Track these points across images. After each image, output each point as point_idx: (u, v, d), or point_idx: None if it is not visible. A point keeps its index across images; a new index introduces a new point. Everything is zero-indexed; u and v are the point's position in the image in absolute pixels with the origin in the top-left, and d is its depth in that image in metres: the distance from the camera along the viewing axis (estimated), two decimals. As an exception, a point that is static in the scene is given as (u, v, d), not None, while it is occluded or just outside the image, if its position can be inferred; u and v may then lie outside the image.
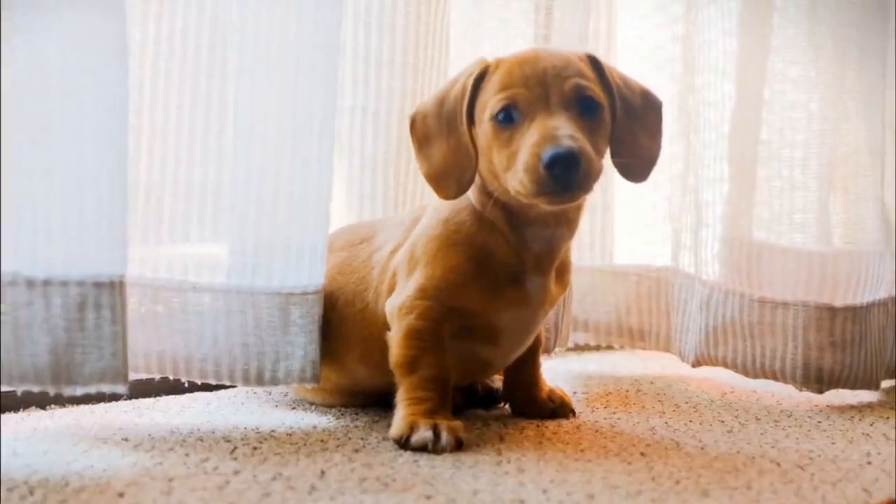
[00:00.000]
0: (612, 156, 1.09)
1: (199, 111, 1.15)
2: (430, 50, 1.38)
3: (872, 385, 1.40)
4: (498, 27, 1.49)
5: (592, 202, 1.57)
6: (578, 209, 1.12)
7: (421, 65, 1.37)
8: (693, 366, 1.46)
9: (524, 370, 1.23)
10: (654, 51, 1.59)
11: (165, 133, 1.14)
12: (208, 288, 1.14)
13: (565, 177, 0.98)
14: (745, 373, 1.41)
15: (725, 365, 1.43)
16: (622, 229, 1.63)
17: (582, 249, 1.57)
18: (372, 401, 1.23)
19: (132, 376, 1.20)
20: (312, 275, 1.15)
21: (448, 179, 1.09)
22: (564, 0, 1.44)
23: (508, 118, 1.04)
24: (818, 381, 1.37)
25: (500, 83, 1.05)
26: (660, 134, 1.14)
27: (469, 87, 1.08)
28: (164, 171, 1.14)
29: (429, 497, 0.88)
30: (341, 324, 1.17)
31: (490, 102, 1.05)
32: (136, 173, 1.13)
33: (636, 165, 1.11)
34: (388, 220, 1.24)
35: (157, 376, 1.16)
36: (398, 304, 1.10)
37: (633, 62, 1.60)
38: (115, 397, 1.24)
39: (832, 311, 1.37)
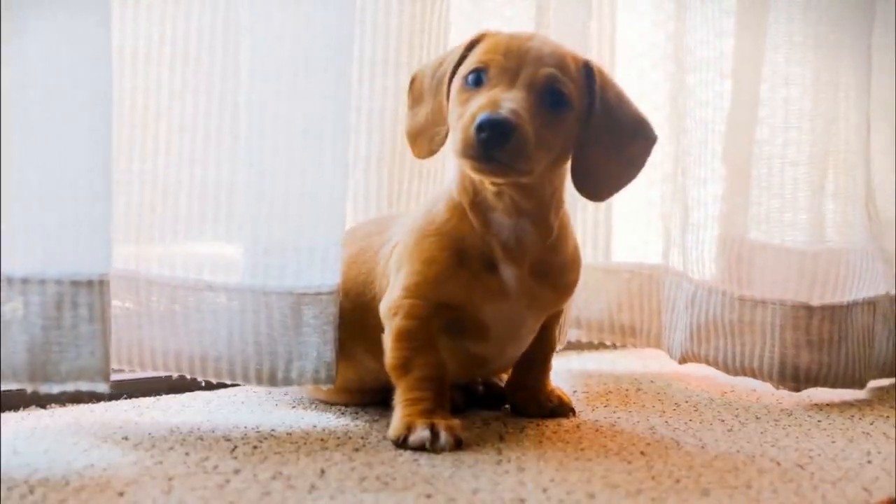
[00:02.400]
0: (573, 164, 1.09)
1: (213, 111, 1.16)
2: (426, 49, 1.38)
3: (856, 384, 1.40)
4: (500, 26, 1.49)
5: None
6: (540, 204, 1.10)
7: (415, 64, 1.36)
8: (679, 363, 1.47)
9: (530, 371, 1.22)
10: (652, 48, 1.59)
11: (182, 133, 1.15)
12: (223, 287, 1.14)
13: (489, 144, 0.98)
14: (726, 370, 1.42)
15: (708, 362, 1.44)
16: (616, 227, 1.63)
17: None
18: (377, 399, 1.23)
19: (147, 374, 1.23)
20: (326, 275, 1.15)
21: (422, 137, 1.12)
22: (565, -3, 1.44)
23: (477, 81, 1.05)
24: (794, 379, 1.38)
25: (483, 49, 1.07)
26: (638, 166, 1.12)
27: (461, 51, 1.09)
28: (180, 170, 1.15)
29: (429, 496, 0.88)
30: (352, 314, 1.17)
31: (466, 63, 1.06)
32: (155, 172, 1.15)
33: (594, 184, 1.10)
34: (402, 216, 1.24)
35: (175, 374, 1.17)
36: (387, 306, 1.11)
37: (633, 60, 1.60)
38: (114, 396, 1.24)
39: (809, 309, 1.37)
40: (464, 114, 1.02)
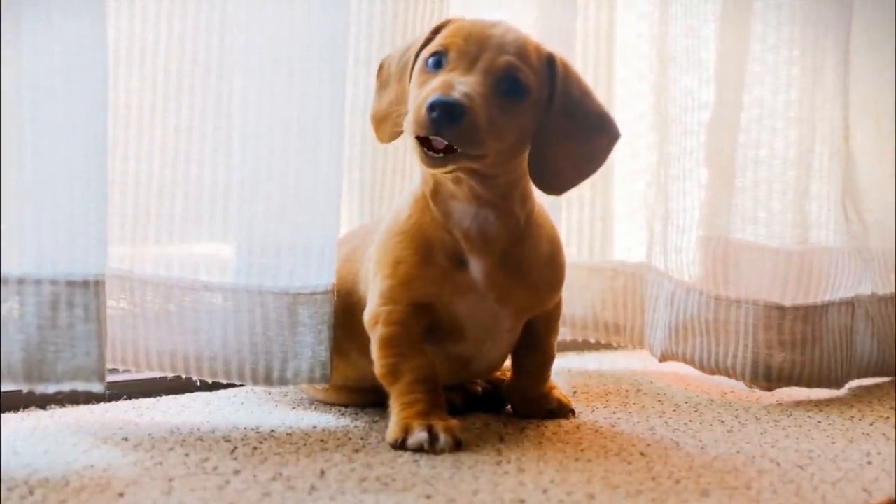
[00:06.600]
0: (530, 155, 1.08)
1: (208, 111, 1.16)
2: None
3: (832, 384, 1.42)
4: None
5: (578, 197, 1.57)
6: (501, 195, 1.09)
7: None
8: (660, 361, 1.48)
9: (529, 376, 1.22)
10: (651, 51, 1.59)
11: (177, 133, 1.15)
12: (219, 287, 1.15)
13: (439, 124, 0.97)
14: (702, 369, 1.43)
15: (685, 361, 1.45)
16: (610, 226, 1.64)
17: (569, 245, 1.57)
18: (377, 399, 1.22)
19: (146, 375, 1.23)
20: (321, 275, 1.15)
21: (386, 122, 1.12)
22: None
23: (437, 64, 1.05)
24: (767, 378, 1.39)
25: (446, 33, 1.06)
26: (598, 162, 1.12)
27: (426, 36, 1.09)
28: (175, 170, 1.15)
29: (429, 497, 0.88)
30: (343, 314, 1.17)
31: (429, 47, 1.06)
32: (150, 173, 1.15)
33: (550, 176, 1.09)
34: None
35: (169, 374, 1.17)
36: (368, 316, 1.11)
37: (633, 62, 1.59)
38: (114, 397, 1.24)
39: (781, 309, 1.39)
40: (419, 95, 1.02)
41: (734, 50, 1.44)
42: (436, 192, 1.10)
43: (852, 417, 1.28)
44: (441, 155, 1.00)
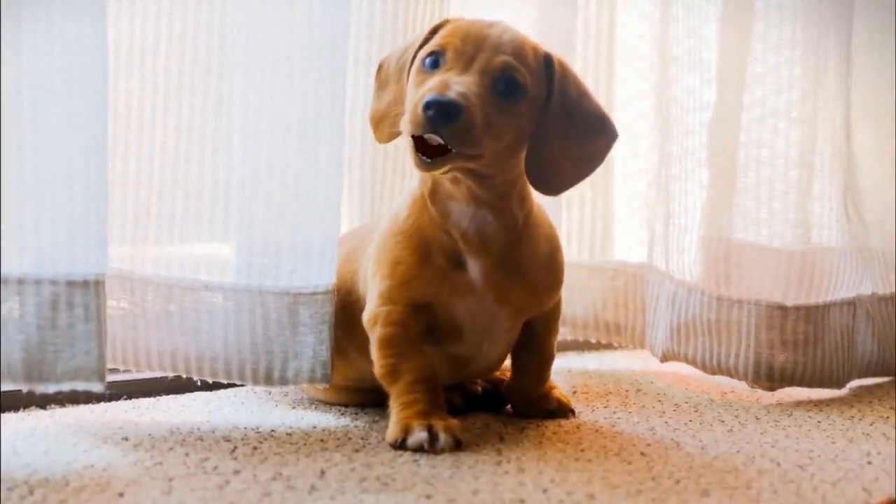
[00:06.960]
0: (527, 155, 1.08)
1: (208, 111, 1.16)
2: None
3: (834, 384, 1.42)
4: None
5: (578, 197, 1.58)
6: (499, 195, 1.09)
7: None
8: (661, 361, 1.48)
9: (529, 376, 1.22)
10: (652, 52, 1.59)
11: (177, 133, 1.15)
12: (219, 287, 1.15)
13: (435, 122, 0.97)
14: (704, 369, 1.43)
15: (687, 361, 1.45)
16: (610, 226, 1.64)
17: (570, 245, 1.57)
18: (377, 399, 1.22)
19: (146, 375, 1.23)
20: (321, 275, 1.15)
21: (384, 123, 1.12)
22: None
23: (434, 64, 1.05)
24: (769, 378, 1.39)
25: (444, 33, 1.06)
26: (595, 163, 1.12)
27: (423, 36, 1.09)
28: (175, 170, 1.16)
29: (429, 497, 0.88)
30: (342, 313, 1.17)
31: (426, 47, 1.06)
32: (150, 173, 1.15)
33: (547, 177, 1.09)
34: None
35: (170, 374, 1.17)
36: (367, 316, 1.11)
37: (634, 62, 1.59)
38: (114, 397, 1.24)
39: (784, 310, 1.39)
40: (416, 95, 1.02)
41: (736, 50, 1.45)
42: (434, 193, 1.10)
43: (852, 417, 1.28)
44: (432, 160, 1.00)
